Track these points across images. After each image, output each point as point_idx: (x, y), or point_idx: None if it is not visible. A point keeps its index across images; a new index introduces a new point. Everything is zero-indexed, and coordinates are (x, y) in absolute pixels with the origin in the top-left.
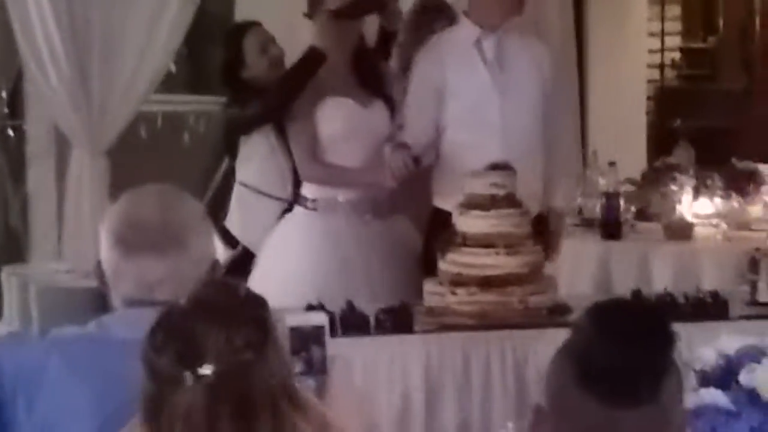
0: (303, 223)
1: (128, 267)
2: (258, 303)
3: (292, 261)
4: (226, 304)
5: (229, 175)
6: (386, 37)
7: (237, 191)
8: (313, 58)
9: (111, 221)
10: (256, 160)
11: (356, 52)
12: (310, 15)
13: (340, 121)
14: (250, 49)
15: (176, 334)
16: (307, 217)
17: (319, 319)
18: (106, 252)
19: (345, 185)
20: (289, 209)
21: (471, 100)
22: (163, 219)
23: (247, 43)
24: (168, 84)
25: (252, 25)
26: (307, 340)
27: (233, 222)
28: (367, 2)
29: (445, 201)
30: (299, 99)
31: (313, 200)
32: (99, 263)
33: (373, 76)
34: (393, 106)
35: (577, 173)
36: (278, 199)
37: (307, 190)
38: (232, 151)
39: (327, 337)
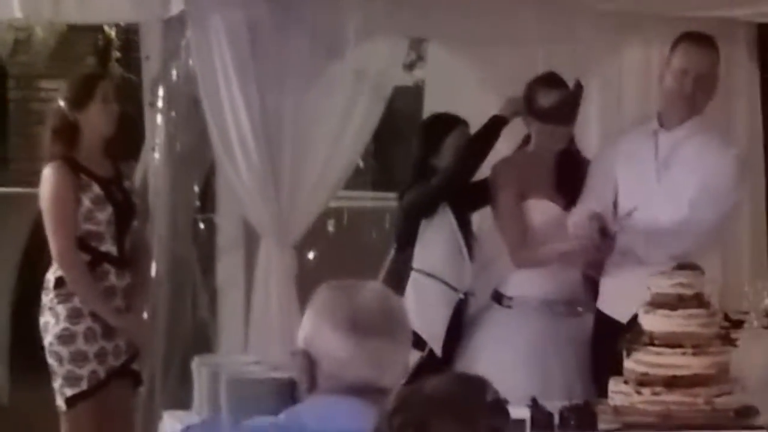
0: (501, 320)
1: (363, 352)
2: (502, 413)
3: (490, 358)
4: (470, 405)
5: (397, 265)
6: None
7: (414, 279)
8: (494, 124)
9: (332, 310)
10: (437, 246)
11: (563, 153)
12: (505, 118)
13: (542, 226)
14: (449, 147)
15: (412, 422)
16: (503, 314)
17: (522, 413)
18: (330, 339)
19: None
20: (462, 301)
21: (634, 194)
22: (386, 307)
23: (449, 141)
24: (355, 180)
25: (458, 123)
26: None
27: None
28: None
29: (607, 304)
30: (504, 196)
31: (509, 298)
32: (304, 352)
33: (574, 180)
34: None
35: None
36: (455, 289)
37: (506, 287)
38: (410, 236)
39: None
